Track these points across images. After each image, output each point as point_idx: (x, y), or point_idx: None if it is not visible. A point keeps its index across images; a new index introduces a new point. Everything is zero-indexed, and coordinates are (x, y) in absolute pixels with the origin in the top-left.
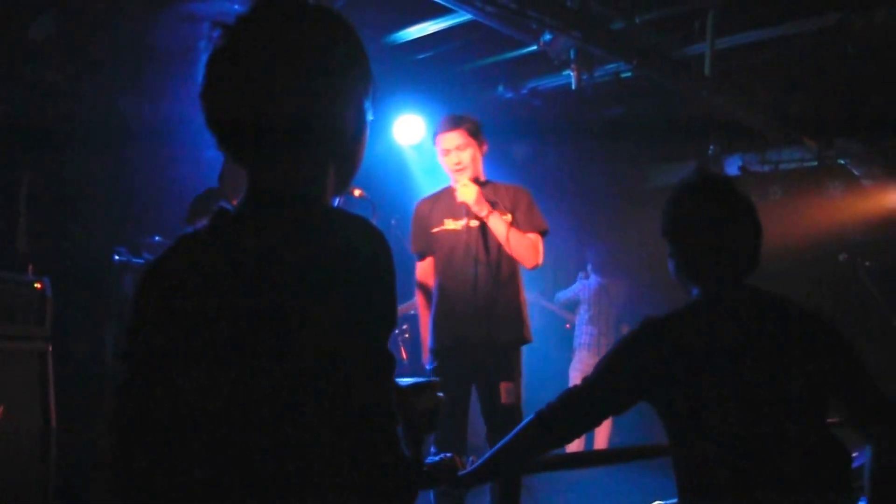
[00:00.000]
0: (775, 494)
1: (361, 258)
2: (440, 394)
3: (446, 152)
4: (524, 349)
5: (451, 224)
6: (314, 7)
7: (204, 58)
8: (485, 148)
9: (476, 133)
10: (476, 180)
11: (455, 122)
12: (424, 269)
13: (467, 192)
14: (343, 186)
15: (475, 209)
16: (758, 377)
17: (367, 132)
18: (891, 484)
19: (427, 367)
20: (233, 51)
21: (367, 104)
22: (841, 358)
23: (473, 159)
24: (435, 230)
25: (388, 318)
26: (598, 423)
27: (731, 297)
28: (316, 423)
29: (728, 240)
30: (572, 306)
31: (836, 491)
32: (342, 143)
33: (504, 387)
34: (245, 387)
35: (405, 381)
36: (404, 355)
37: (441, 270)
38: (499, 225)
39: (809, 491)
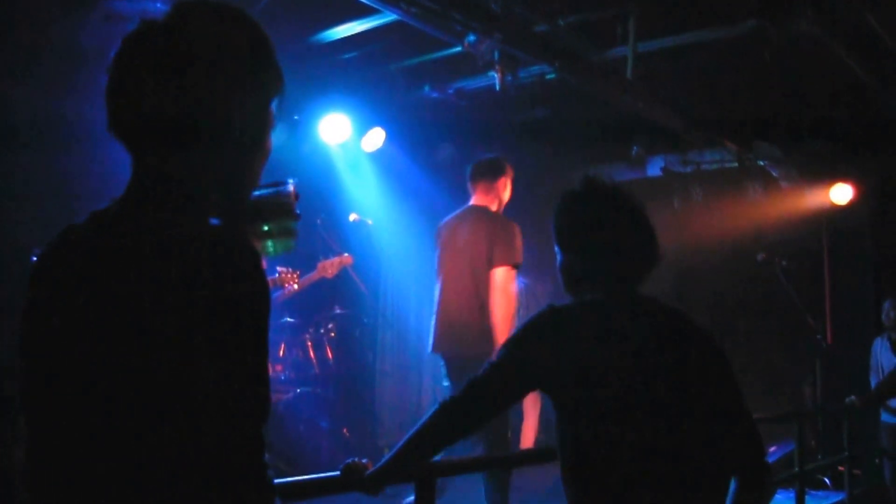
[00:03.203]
0: (651, 497)
1: (225, 280)
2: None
3: None
4: None
5: None
6: (226, 10)
7: (111, 57)
8: None
9: None
10: None
11: None
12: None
13: None
14: (236, 197)
15: None
16: (642, 382)
17: (270, 140)
18: None
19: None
20: (141, 51)
21: (273, 109)
22: (722, 383)
23: None
24: None
25: (250, 348)
26: (501, 409)
27: (625, 302)
28: (170, 451)
29: (617, 244)
30: None
31: (713, 497)
32: (241, 148)
33: None
34: (101, 400)
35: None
36: (329, 355)
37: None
38: None
39: (686, 496)
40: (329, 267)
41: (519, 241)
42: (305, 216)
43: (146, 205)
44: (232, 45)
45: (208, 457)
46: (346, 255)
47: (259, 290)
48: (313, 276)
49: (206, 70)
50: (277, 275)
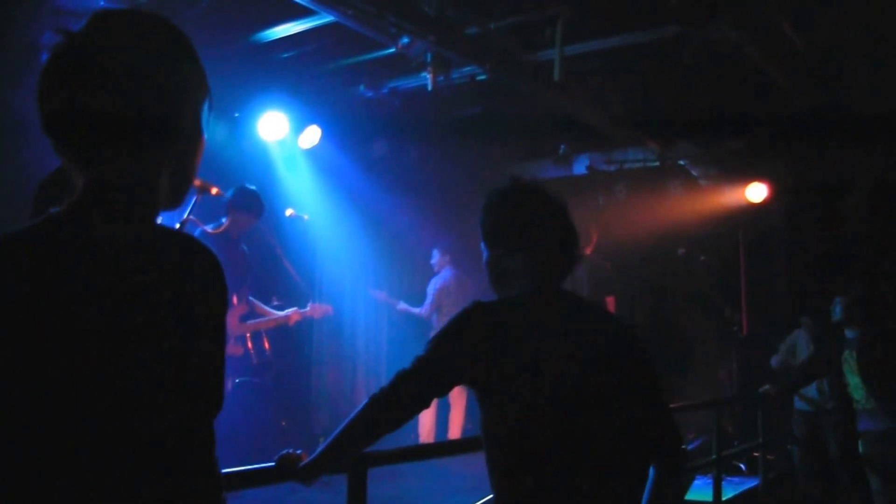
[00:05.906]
0: (574, 483)
1: (193, 280)
2: None
3: None
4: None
5: None
6: (151, 17)
7: (43, 61)
8: None
9: None
10: None
11: None
12: None
13: None
14: (179, 194)
15: None
16: (568, 374)
17: (204, 140)
18: None
19: None
20: (74, 56)
21: (205, 112)
22: (643, 375)
23: None
24: None
25: (214, 345)
26: (427, 402)
27: (550, 297)
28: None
29: (542, 241)
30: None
31: (633, 483)
32: (180, 147)
33: None
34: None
35: None
36: (266, 345)
37: None
38: None
39: (607, 482)
40: (318, 309)
41: None
42: None
43: (98, 214)
44: (153, 51)
45: (165, 449)
46: (328, 306)
47: (221, 289)
48: (306, 312)
49: (138, 71)
50: (309, 307)
